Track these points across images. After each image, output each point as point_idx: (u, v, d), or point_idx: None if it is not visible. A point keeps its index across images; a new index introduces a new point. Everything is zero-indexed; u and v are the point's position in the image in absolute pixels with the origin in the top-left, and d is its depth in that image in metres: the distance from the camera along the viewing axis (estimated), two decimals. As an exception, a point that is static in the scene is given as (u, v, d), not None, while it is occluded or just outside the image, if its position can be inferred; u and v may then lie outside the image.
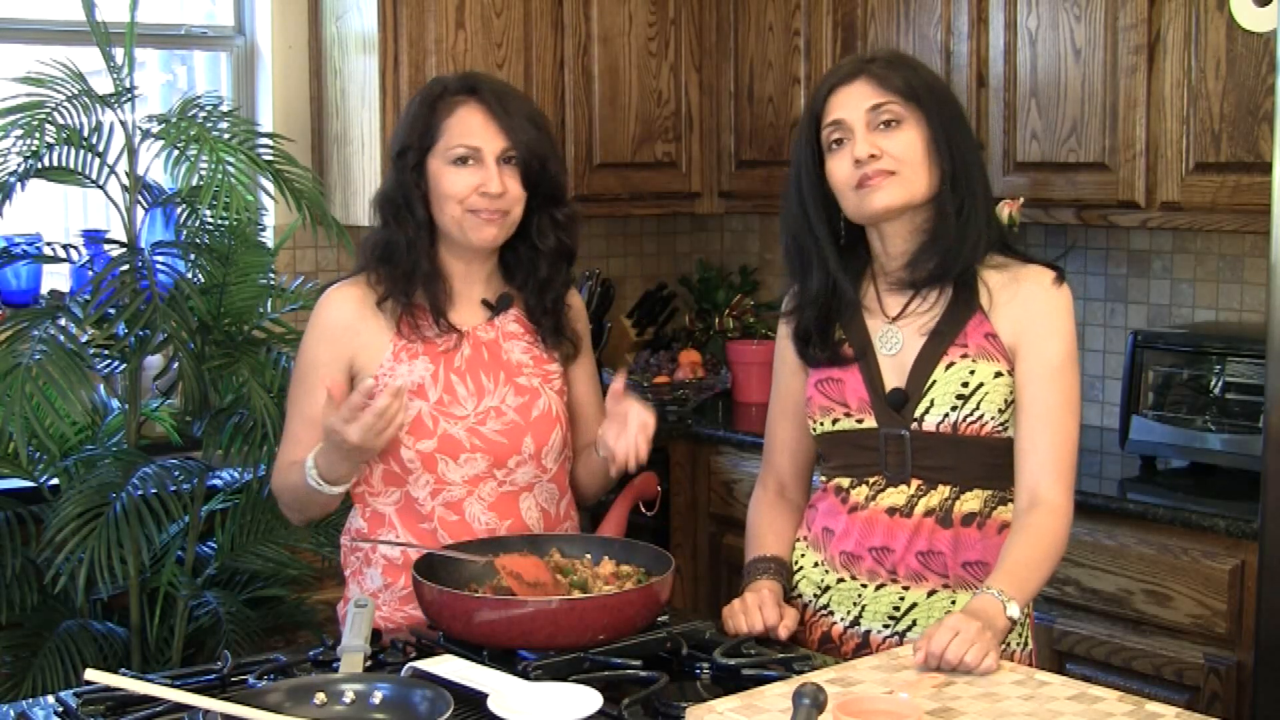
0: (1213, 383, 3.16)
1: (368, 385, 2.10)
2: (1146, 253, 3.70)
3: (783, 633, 2.10)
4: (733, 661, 1.94)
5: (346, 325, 2.31)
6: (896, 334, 2.18)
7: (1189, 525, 2.96)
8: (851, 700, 1.65)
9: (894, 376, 2.17)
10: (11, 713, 1.89)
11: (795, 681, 1.77)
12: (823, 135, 2.16)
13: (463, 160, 2.26)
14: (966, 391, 2.12)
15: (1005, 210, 3.41)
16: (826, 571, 2.21)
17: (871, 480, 2.17)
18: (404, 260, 2.29)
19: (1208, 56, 3.15)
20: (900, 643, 2.13)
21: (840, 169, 2.13)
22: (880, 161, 2.10)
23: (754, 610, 2.12)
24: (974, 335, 2.14)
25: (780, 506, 2.34)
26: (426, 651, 1.98)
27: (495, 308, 2.37)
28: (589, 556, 2.18)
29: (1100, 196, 3.38)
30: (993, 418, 2.12)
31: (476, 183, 2.25)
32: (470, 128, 2.26)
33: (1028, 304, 2.13)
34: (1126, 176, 3.32)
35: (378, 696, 1.74)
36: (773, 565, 2.25)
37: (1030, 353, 2.12)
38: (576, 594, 2.03)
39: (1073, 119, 3.41)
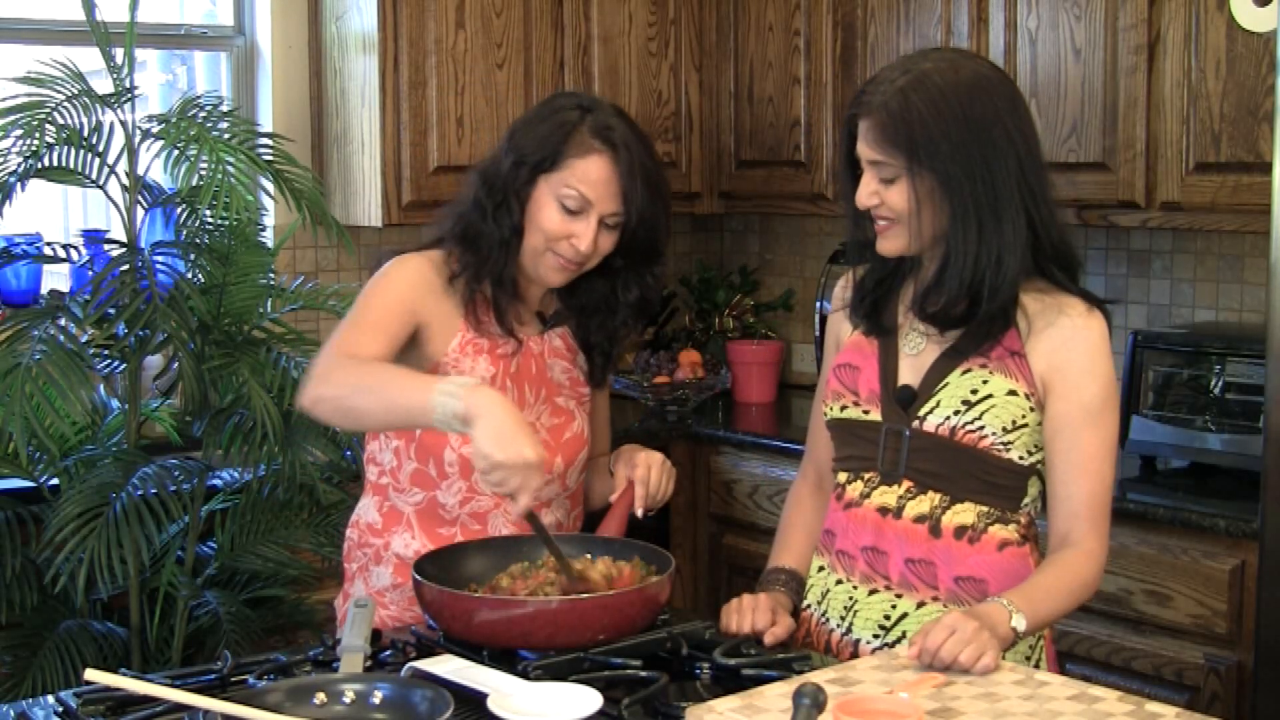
0: (1213, 383, 3.16)
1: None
2: (1146, 253, 3.70)
3: (769, 639, 2.10)
4: (733, 661, 1.94)
5: (429, 285, 2.26)
6: (922, 337, 2.14)
7: (1189, 525, 2.96)
8: (851, 700, 1.65)
9: (909, 375, 2.14)
10: (11, 713, 1.89)
11: (795, 681, 1.77)
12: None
13: (570, 210, 2.22)
14: (973, 399, 2.07)
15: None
16: (828, 574, 2.20)
17: (867, 476, 2.15)
18: (491, 255, 2.25)
19: (1208, 56, 3.15)
20: None
21: (858, 201, 2.11)
22: (880, 209, 2.08)
23: (746, 612, 2.13)
24: (999, 350, 2.08)
25: (815, 500, 2.33)
26: (426, 651, 1.98)
27: (549, 323, 2.36)
28: (589, 556, 2.18)
29: (1100, 196, 3.39)
30: (994, 433, 2.06)
31: (572, 232, 2.21)
32: (591, 179, 2.21)
33: (1065, 340, 2.06)
34: (1126, 176, 3.32)
35: (378, 696, 1.74)
36: (783, 576, 2.26)
37: (1067, 394, 2.05)
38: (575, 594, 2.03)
39: (1073, 119, 3.41)
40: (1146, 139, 3.28)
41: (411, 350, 2.26)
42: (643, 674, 1.87)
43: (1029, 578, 2.04)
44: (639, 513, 2.25)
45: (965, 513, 2.09)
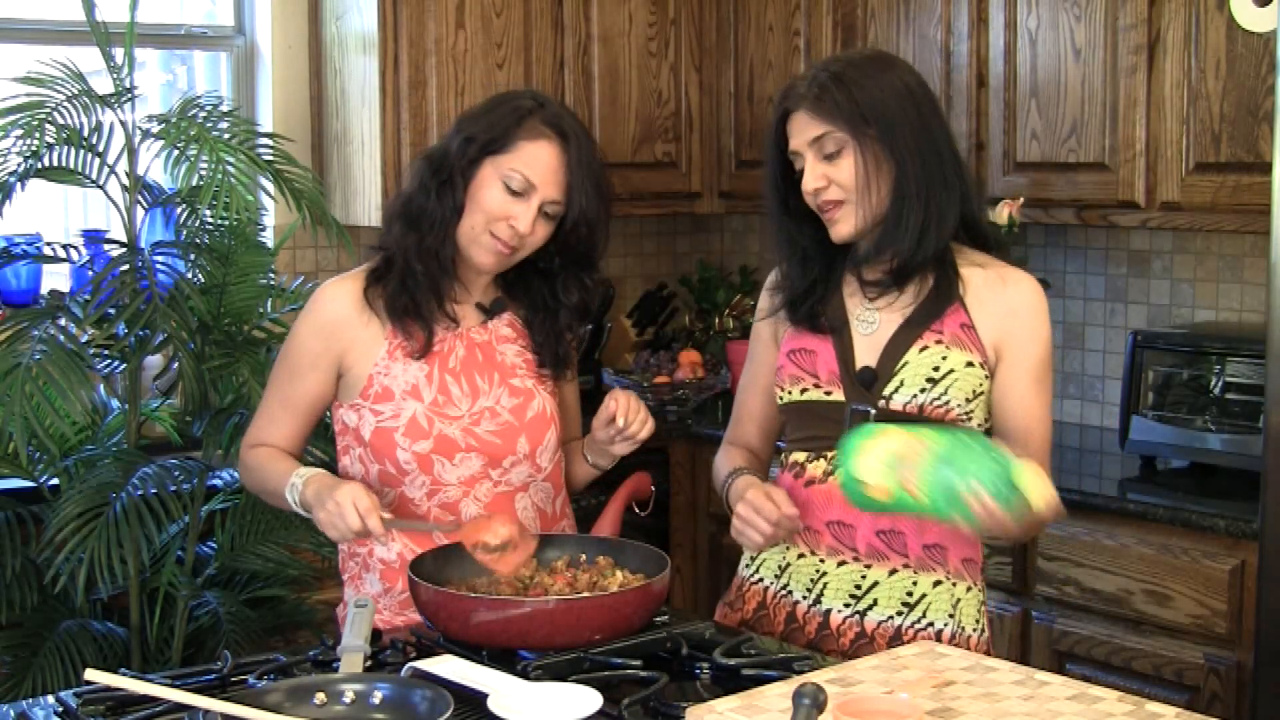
0: (1213, 383, 3.16)
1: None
2: (1146, 253, 3.70)
3: (790, 523, 2.11)
4: (733, 661, 1.94)
5: (341, 320, 2.30)
6: (874, 315, 2.20)
7: (1189, 525, 2.96)
8: (851, 700, 1.65)
9: (866, 355, 2.19)
10: (11, 713, 1.89)
11: (795, 681, 1.77)
12: (789, 156, 2.19)
13: (513, 191, 2.24)
14: (937, 376, 2.15)
15: (1005, 210, 3.41)
16: (786, 549, 2.23)
17: (830, 455, 2.18)
18: (431, 232, 2.27)
19: (1208, 56, 3.15)
20: (860, 622, 2.16)
21: (806, 191, 2.16)
22: (828, 191, 2.13)
23: (754, 519, 2.11)
24: (950, 324, 2.17)
25: (746, 455, 2.36)
26: (426, 651, 1.98)
27: (489, 311, 2.37)
28: (584, 557, 2.19)
29: (1100, 196, 3.39)
30: (958, 405, 2.15)
31: (511, 214, 2.23)
32: (538, 163, 2.24)
33: (1014, 308, 2.17)
34: (1126, 176, 3.32)
35: (378, 696, 1.74)
36: (744, 470, 2.26)
37: (1015, 359, 2.17)
38: (567, 593, 2.03)
39: (1073, 119, 3.41)
40: (1146, 139, 3.28)
41: (343, 374, 2.32)
42: (643, 674, 1.87)
43: None
44: (619, 422, 2.25)
45: None
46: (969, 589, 2.21)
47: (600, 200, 2.30)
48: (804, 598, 2.21)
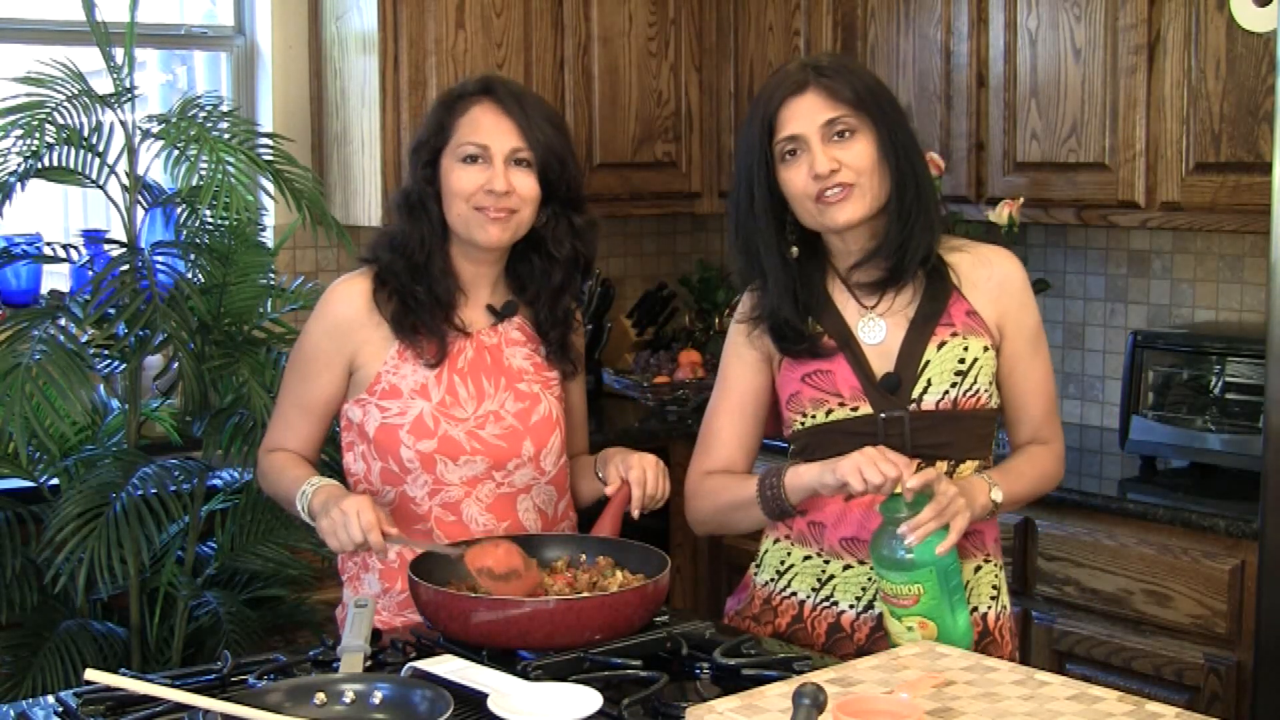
0: (1213, 383, 3.16)
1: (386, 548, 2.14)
2: (1146, 253, 3.70)
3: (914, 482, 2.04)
4: (733, 661, 1.94)
5: (352, 319, 2.31)
6: (879, 322, 2.21)
7: (1189, 525, 2.96)
8: (851, 700, 1.65)
9: (881, 363, 2.20)
10: (11, 713, 1.89)
11: (795, 681, 1.77)
12: (775, 146, 2.16)
13: (471, 159, 2.26)
14: (964, 367, 2.18)
15: (1005, 210, 3.41)
16: (827, 561, 2.22)
17: None
18: (417, 253, 2.29)
19: (1208, 56, 3.15)
20: None
21: (797, 180, 2.14)
22: (840, 174, 2.12)
23: (882, 462, 2.03)
24: (957, 314, 2.20)
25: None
26: (426, 651, 1.98)
27: (500, 313, 2.37)
28: (584, 557, 2.19)
29: (1100, 196, 3.39)
30: (985, 390, 2.20)
31: (482, 181, 2.25)
32: (480, 125, 2.27)
33: (1004, 285, 2.23)
34: (1126, 176, 3.32)
35: (378, 696, 1.74)
36: (778, 467, 2.22)
37: (1014, 332, 2.23)
38: (567, 593, 2.03)
39: (1073, 119, 3.41)
40: (1146, 139, 3.28)
41: (354, 373, 2.33)
42: (643, 674, 1.87)
43: (1007, 460, 2.23)
44: (634, 514, 2.26)
45: (967, 471, 2.21)
46: (1000, 567, 2.27)
47: (557, 130, 2.31)
48: (851, 606, 2.21)
